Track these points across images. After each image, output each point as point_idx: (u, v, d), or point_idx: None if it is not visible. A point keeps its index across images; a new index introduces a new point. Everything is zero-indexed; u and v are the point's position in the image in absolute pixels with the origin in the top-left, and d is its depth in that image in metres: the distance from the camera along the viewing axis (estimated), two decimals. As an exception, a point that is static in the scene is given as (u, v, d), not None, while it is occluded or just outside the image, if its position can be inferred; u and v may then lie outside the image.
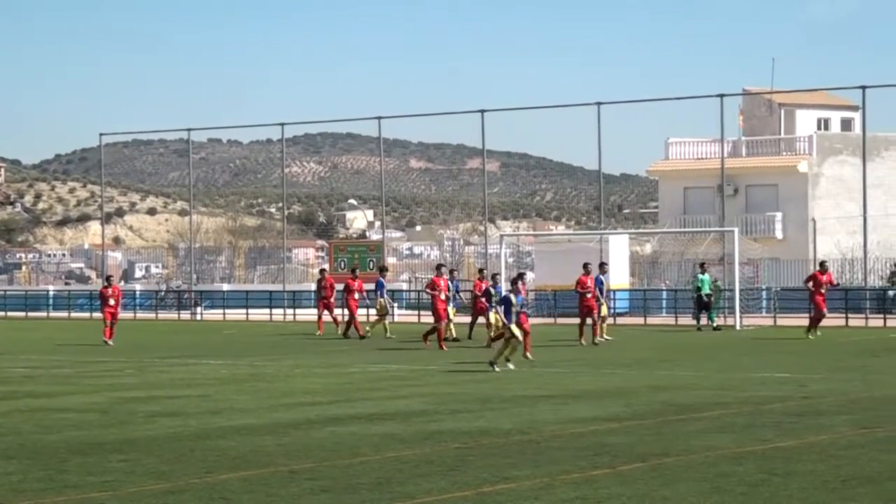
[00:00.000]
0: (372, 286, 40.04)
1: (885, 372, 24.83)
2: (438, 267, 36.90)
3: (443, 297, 34.54)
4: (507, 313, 25.84)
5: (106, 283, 39.50)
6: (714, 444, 15.13)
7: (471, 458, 14.19)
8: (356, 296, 39.24)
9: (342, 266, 57.22)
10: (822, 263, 37.94)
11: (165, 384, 24.53)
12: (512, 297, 26.08)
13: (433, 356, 31.26)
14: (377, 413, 18.91)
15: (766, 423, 17.14)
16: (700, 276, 41.96)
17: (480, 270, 36.84)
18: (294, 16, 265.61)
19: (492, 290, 33.19)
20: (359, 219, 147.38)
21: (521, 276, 28.55)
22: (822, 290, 36.41)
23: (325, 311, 41.07)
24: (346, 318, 39.19)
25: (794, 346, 33.08)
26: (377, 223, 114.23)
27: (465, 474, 13.12)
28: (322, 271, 44.23)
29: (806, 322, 42.34)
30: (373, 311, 40.33)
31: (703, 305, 41.29)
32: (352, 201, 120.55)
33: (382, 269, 42.23)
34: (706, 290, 41.25)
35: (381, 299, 38.86)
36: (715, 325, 40.88)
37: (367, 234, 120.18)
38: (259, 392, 22.65)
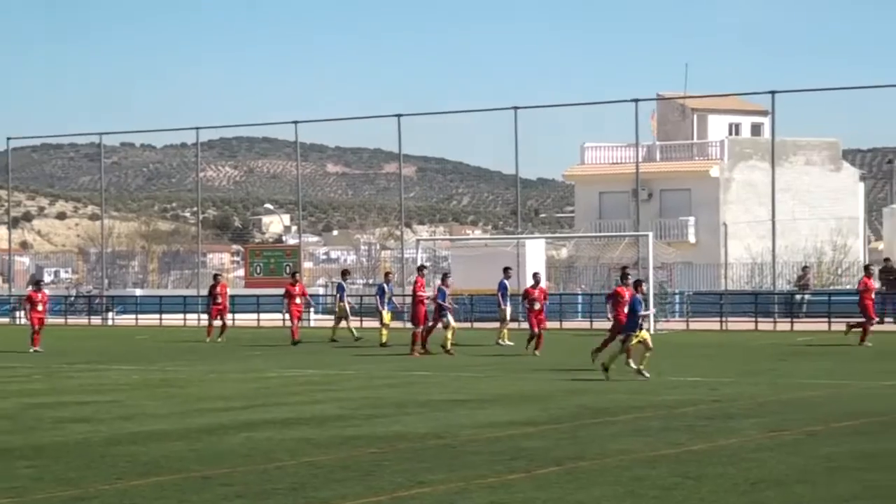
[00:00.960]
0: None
1: (792, 375, 25.16)
2: (420, 269, 36.52)
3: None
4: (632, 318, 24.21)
5: (35, 288, 38.69)
6: (628, 447, 15.23)
7: (386, 463, 14.16)
8: (297, 300, 38.88)
9: (258, 271, 57.01)
10: (866, 267, 37.26)
11: (74, 390, 24.21)
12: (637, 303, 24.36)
13: (348, 361, 31.18)
14: (292, 418, 18.81)
15: (679, 426, 17.29)
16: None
17: (535, 275, 34.93)
18: (208, 18, 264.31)
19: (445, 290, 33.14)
20: (275, 223, 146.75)
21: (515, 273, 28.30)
22: (872, 296, 35.05)
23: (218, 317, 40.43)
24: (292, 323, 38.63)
25: (705, 350, 33.41)
26: (294, 228, 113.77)
27: (380, 479, 13.09)
28: (216, 276, 43.70)
29: (715, 325, 42.93)
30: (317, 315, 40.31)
31: None
32: (268, 206, 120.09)
33: (345, 273, 42.33)
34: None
35: (342, 303, 38.75)
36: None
37: (284, 238, 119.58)
38: (172, 397, 22.44)
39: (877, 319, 34.16)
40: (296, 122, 56.66)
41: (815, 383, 22.98)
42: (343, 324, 38.72)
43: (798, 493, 12.14)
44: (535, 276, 34.34)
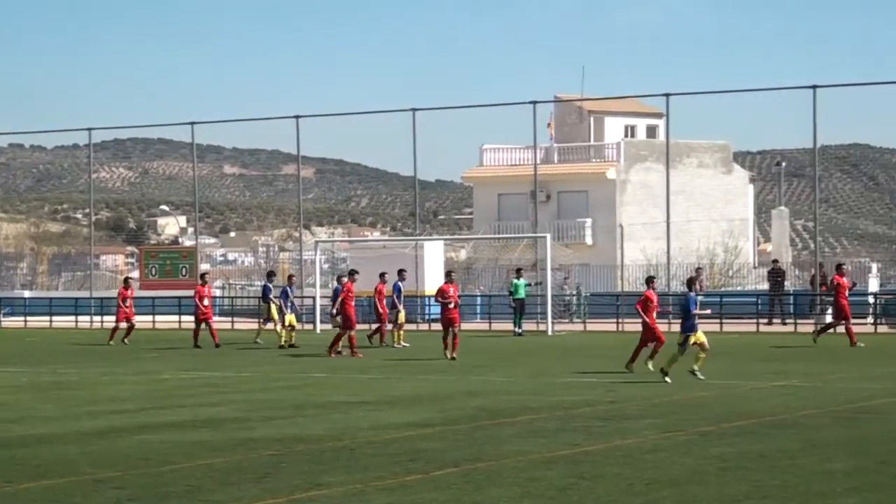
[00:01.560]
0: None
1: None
2: (448, 274, 34.68)
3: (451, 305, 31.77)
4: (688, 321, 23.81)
5: None
6: (525, 448, 15.31)
7: (283, 465, 14.10)
8: (205, 302, 38.09)
9: (153, 272, 56.39)
10: (839, 266, 36.17)
11: (-37, 394, 23.75)
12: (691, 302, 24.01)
13: (246, 363, 30.97)
14: (188, 420, 18.64)
15: (576, 427, 17.42)
16: (515, 281, 42.56)
17: (448, 273, 34.52)
18: (100, 17, 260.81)
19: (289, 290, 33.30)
20: (171, 225, 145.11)
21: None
22: (847, 294, 34.16)
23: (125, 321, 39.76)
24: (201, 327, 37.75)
25: (603, 351, 33.68)
26: (190, 229, 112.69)
27: (277, 481, 13.02)
28: (127, 280, 43.01)
29: (612, 326, 43.26)
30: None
31: (519, 309, 41.81)
32: (163, 207, 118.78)
33: (270, 275, 41.29)
34: (520, 294, 41.82)
35: (270, 304, 37.74)
36: (520, 331, 41.32)
37: (180, 240, 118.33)
38: (63, 400, 22.12)
39: (842, 323, 33.66)
40: (192, 124, 56.17)
41: (708, 384, 23.26)
42: (270, 325, 38.03)
43: (691, 494, 12.31)
44: (449, 274, 33.98)
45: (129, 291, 40.72)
